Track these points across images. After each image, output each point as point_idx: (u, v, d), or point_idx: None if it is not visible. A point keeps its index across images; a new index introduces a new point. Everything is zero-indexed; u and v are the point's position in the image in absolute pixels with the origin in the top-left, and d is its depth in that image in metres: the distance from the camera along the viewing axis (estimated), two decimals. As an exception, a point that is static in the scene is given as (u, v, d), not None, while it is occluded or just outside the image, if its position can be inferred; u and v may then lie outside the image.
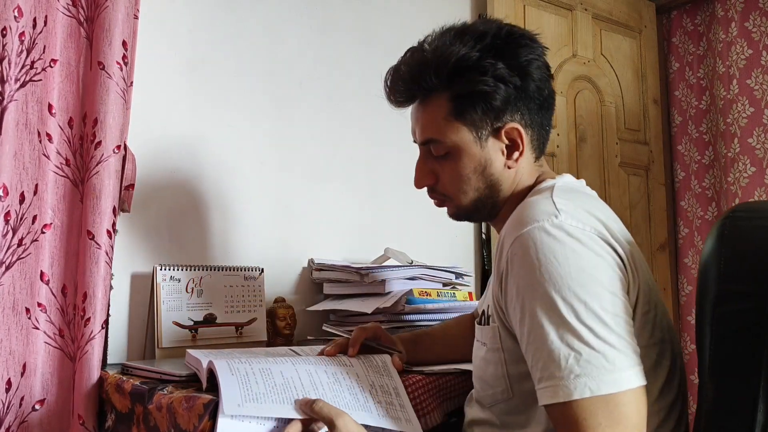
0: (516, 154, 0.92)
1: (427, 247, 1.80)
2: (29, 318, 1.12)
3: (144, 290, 1.35)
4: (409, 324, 1.37)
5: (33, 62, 1.13)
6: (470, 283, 1.71)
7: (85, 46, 1.22)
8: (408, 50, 0.96)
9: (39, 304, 1.13)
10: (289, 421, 0.79)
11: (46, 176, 1.15)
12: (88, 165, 1.18)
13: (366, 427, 0.82)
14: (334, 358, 0.98)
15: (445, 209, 1.01)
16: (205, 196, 1.47)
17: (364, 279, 1.43)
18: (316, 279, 1.57)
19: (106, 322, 1.18)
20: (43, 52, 1.15)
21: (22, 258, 1.11)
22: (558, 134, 2.11)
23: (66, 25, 1.20)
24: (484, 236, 1.94)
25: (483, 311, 0.93)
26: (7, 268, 1.09)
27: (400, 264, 1.52)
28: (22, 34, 1.11)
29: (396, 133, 1.78)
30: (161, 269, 1.32)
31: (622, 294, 0.76)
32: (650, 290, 0.84)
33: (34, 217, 1.13)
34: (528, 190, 0.94)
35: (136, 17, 1.27)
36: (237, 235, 1.51)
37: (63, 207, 1.18)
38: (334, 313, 1.52)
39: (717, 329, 0.77)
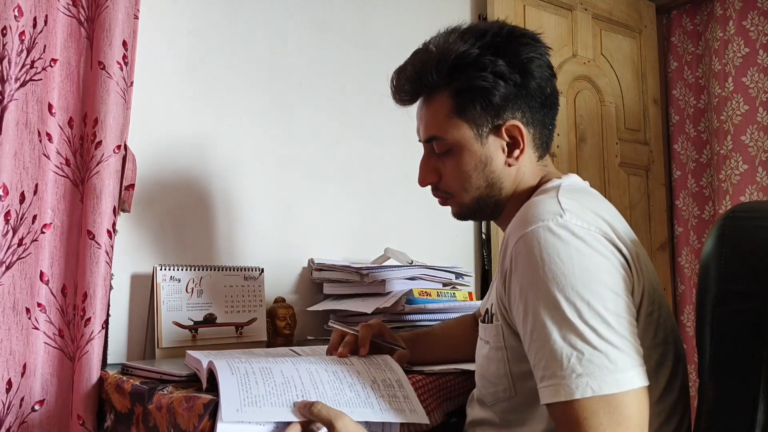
0: (517, 152, 0.93)
1: (427, 247, 1.80)
2: (29, 318, 1.12)
3: (144, 290, 1.34)
4: (409, 324, 1.37)
5: (33, 62, 1.13)
6: (470, 283, 1.71)
7: (85, 46, 1.22)
8: (414, 51, 0.97)
9: (39, 305, 1.13)
10: (288, 423, 0.79)
11: (46, 176, 1.15)
12: (89, 165, 1.18)
13: (369, 424, 0.82)
14: (334, 358, 0.97)
15: (447, 209, 1.01)
16: (205, 196, 1.47)
17: (364, 279, 1.43)
18: (316, 279, 1.57)
19: (106, 322, 1.18)
20: (44, 52, 1.15)
21: (22, 258, 1.11)
22: (558, 134, 2.11)
23: (66, 24, 1.20)
24: (484, 236, 1.94)
25: (486, 309, 0.93)
26: (8, 268, 1.09)
27: (400, 264, 1.52)
28: (22, 33, 1.11)
29: (396, 134, 1.79)
30: (161, 269, 1.32)
31: (625, 295, 0.76)
32: (654, 291, 0.84)
33: (34, 217, 1.13)
34: (532, 190, 0.94)
35: (136, 17, 1.27)
36: (237, 234, 1.51)
37: (63, 207, 1.18)
38: (334, 313, 1.52)
39: (717, 329, 0.77)
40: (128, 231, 1.34)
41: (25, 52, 1.12)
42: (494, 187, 0.94)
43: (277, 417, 0.79)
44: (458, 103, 0.91)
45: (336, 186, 1.68)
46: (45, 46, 1.15)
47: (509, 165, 0.93)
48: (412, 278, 1.47)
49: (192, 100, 1.46)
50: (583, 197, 0.86)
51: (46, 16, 1.15)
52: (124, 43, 1.22)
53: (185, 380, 1.01)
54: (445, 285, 1.55)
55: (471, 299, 1.51)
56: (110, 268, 1.18)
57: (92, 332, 1.14)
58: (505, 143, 0.93)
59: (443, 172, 0.96)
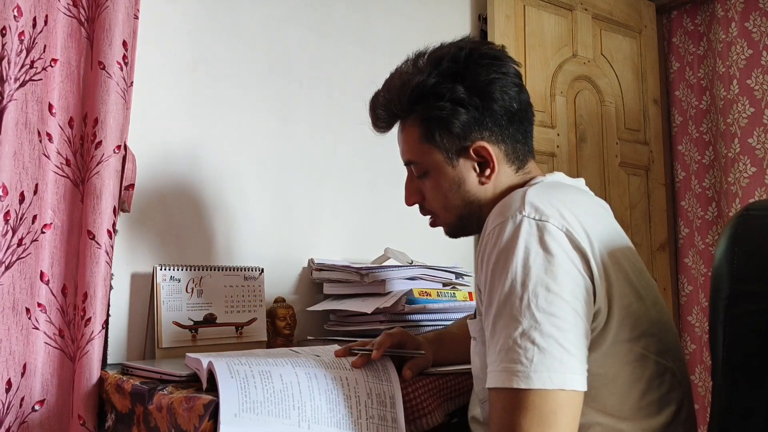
0: (488, 171, 0.94)
1: (427, 247, 1.80)
2: (29, 318, 1.12)
3: (144, 290, 1.34)
4: (409, 324, 1.37)
5: (33, 62, 1.13)
6: (470, 283, 1.71)
7: (85, 46, 1.22)
8: (387, 78, 1.02)
9: (39, 305, 1.13)
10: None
11: (46, 176, 1.15)
12: (89, 165, 1.18)
13: None
14: (334, 361, 0.97)
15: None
16: (205, 196, 1.47)
17: (364, 279, 1.43)
18: (316, 279, 1.57)
19: (106, 322, 1.18)
20: (44, 52, 1.15)
21: (22, 258, 1.11)
22: (558, 134, 2.11)
23: (66, 24, 1.20)
24: (484, 236, 1.94)
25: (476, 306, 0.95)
26: (7, 268, 1.09)
27: (400, 264, 1.52)
28: (21, 33, 1.11)
29: (396, 134, 1.78)
30: (161, 269, 1.32)
31: (568, 295, 0.76)
32: (631, 284, 0.83)
33: (34, 217, 1.13)
34: None
35: (136, 17, 1.27)
36: (237, 234, 1.51)
37: (63, 207, 1.18)
38: (334, 313, 1.52)
39: (730, 330, 0.75)
40: (128, 231, 1.34)
41: (24, 52, 1.12)
42: (473, 205, 0.96)
43: (273, 429, 0.81)
44: (424, 131, 0.94)
45: (336, 186, 1.68)
46: (45, 46, 1.15)
47: (482, 183, 0.95)
48: (412, 278, 1.47)
49: (192, 100, 1.46)
50: (555, 193, 0.86)
51: (46, 16, 1.15)
52: (124, 43, 1.22)
53: (185, 380, 1.01)
54: (445, 285, 1.55)
55: (471, 299, 1.51)
56: (110, 268, 1.18)
57: (92, 332, 1.14)
58: (476, 163, 0.94)
59: (425, 193, 1.00)
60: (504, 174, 0.96)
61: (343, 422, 0.86)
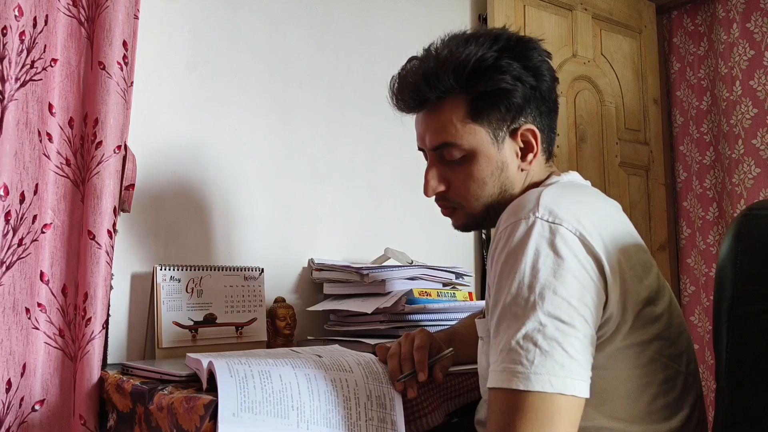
0: (530, 156, 0.93)
1: (427, 247, 1.80)
2: (29, 318, 1.12)
3: (144, 290, 1.34)
4: (409, 324, 1.37)
5: (33, 62, 1.13)
6: (470, 283, 1.71)
7: (85, 46, 1.22)
8: (413, 58, 0.96)
9: (39, 305, 1.13)
10: None
11: (46, 176, 1.15)
12: (89, 165, 1.18)
13: None
14: (334, 362, 0.96)
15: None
16: (205, 196, 1.47)
17: (364, 279, 1.43)
18: (316, 279, 1.57)
19: (107, 322, 1.18)
20: (44, 52, 1.15)
21: (22, 258, 1.11)
22: (558, 134, 2.11)
23: (66, 24, 1.20)
24: (484, 236, 1.94)
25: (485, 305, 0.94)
26: (8, 268, 1.09)
27: (400, 264, 1.52)
28: (22, 33, 1.11)
29: (396, 134, 1.79)
30: (161, 269, 1.32)
31: (576, 300, 0.75)
32: (648, 288, 0.82)
33: (34, 217, 1.13)
34: None
35: (136, 17, 1.27)
36: (237, 235, 1.51)
37: (63, 207, 1.18)
38: (335, 313, 1.52)
39: (734, 331, 0.74)
40: (128, 231, 1.34)
41: (25, 52, 1.12)
42: (506, 193, 0.93)
43: (271, 429, 0.81)
44: (475, 108, 0.90)
45: (336, 186, 1.68)
46: (45, 46, 1.15)
47: (522, 170, 0.93)
48: (412, 278, 1.47)
49: (192, 100, 1.46)
50: (570, 194, 0.85)
51: (47, 16, 1.15)
52: (124, 43, 1.22)
53: (185, 380, 1.01)
54: (445, 285, 1.55)
55: (471, 299, 1.51)
56: (110, 268, 1.18)
57: (93, 332, 1.14)
58: (519, 147, 0.93)
59: (453, 181, 0.94)
60: (537, 163, 0.95)
61: (342, 423, 0.86)
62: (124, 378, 1.09)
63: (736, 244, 0.75)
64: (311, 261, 1.60)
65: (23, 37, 1.12)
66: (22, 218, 1.11)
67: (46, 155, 1.15)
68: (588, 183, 0.98)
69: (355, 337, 1.38)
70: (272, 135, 1.58)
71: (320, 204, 1.65)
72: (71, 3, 1.20)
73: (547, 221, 0.78)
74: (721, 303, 0.76)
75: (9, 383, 1.08)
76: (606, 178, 2.28)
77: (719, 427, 0.75)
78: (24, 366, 1.11)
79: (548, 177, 0.96)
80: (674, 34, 2.56)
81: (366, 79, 1.76)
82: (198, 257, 1.44)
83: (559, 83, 1.00)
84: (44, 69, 1.15)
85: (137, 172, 1.31)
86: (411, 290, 1.41)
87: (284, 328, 1.44)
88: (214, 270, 1.39)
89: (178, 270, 1.34)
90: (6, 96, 1.09)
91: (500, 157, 0.92)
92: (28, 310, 1.12)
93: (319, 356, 1.00)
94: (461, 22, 1.98)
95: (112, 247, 1.19)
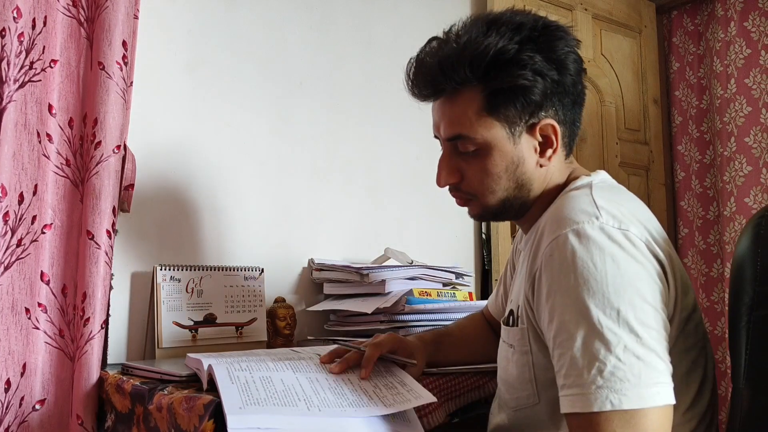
0: (549, 152, 0.88)
1: (427, 247, 1.80)
2: (29, 318, 1.12)
3: (144, 290, 1.34)
4: (409, 324, 1.37)
5: (32, 63, 1.13)
6: (470, 283, 1.71)
7: (85, 47, 1.22)
8: (432, 39, 0.90)
9: (40, 304, 1.13)
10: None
11: (46, 176, 1.15)
12: (88, 165, 1.18)
13: (391, 424, 0.81)
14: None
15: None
16: (205, 196, 1.47)
17: (364, 279, 1.43)
18: (316, 279, 1.57)
19: (106, 322, 1.18)
20: (43, 53, 1.15)
21: (21, 258, 1.11)
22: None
23: (66, 25, 1.20)
24: (484, 236, 1.94)
25: (511, 311, 0.90)
26: (6, 268, 1.09)
27: (400, 264, 1.52)
28: (21, 34, 1.11)
29: (396, 133, 1.79)
30: (161, 269, 1.32)
31: (659, 305, 0.73)
32: (686, 295, 0.81)
33: (34, 218, 1.13)
34: (560, 188, 0.91)
35: (136, 17, 1.27)
36: (237, 235, 1.51)
37: (63, 207, 1.18)
38: (335, 314, 1.52)
39: (753, 333, 0.72)
40: (128, 231, 1.34)
41: (24, 53, 1.12)
42: (523, 189, 0.89)
43: (282, 416, 0.78)
44: (492, 102, 0.85)
45: (336, 186, 1.68)
46: (44, 46, 1.15)
47: (541, 165, 0.89)
48: (412, 278, 1.47)
49: (192, 100, 1.46)
50: (618, 197, 0.83)
51: (46, 16, 1.15)
52: (124, 44, 1.22)
53: (185, 380, 1.01)
54: (445, 285, 1.55)
55: (471, 299, 1.51)
56: (110, 268, 1.18)
57: (91, 332, 1.14)
58: (537, 143, 0.88)
59: (466, 173, 0.90)
60: (557, 159, 0.90)
61: (358, 403, 0.83)
62: (124, 378, 1.09)
63: (756, 244, 0.73)
64: (311, 261, 1.60)
65: (22, 39, 1.11)
66: (20, 219, 1.11)
67: (45, 155, 1.15)
68: (615, 182, 0.94)
69: (355, 338, 1.38)
70: (272, 135, 1.58)
71: (320, 204, 1.65)
72: (71, 3, 1.20)
73: (614, 227, 0.75)
74: (739, 305, 0.74)
75: (9, 383, 1.08)
76: (606, 178, 2.27)
77: (736, 429, 0.74)
78: (24, 366, 1.11)
79: (572, 174, 0.92)
80: (674, 33, 2.56)
81: (366, 80, 1.76)
82: (198, 257, 1.44)
83: (587, 73, 0.95)
84: (43, 70, 1.15)
85: (137, 172, 1.31)
86: (411, 290, 1.41)
87: (284, 328, 1.44)
88: (214, 270, 1.39)
89: (178, 270, 1.34)
90: (4, 98, 1.09)
91: (516, 152, 0.87)
92: (27, 310, 1.12)
93: (320, 356, 1.00)
94: (469, 16, 1.98)
95: (112, 247, 1.19)
